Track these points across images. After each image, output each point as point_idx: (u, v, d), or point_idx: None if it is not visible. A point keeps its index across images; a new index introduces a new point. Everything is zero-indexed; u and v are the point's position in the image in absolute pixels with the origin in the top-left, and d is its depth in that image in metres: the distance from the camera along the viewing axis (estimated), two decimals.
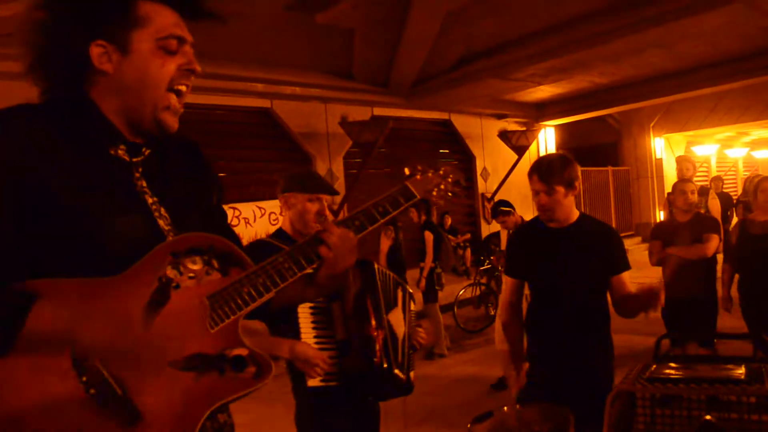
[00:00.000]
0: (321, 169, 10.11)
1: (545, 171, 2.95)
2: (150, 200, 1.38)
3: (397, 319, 2.82)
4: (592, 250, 3.01)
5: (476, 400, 5.82)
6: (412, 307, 2.97)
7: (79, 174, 1.29)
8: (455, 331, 8.84)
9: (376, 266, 2.75)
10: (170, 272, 1.27)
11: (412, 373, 2.86)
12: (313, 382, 2.60)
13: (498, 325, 5.33)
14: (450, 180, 1.69)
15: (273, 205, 9.23)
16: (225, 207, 1.64)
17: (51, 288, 1.22)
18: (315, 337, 2.60)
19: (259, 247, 2.83)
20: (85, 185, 1.29)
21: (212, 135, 8.97)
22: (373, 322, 2.60)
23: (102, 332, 1.22)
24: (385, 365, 2.59)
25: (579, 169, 3.05)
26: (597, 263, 3.01)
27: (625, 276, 3.05)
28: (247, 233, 9.07)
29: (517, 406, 2.51)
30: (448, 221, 11.76)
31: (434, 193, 1.65)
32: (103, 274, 1.25)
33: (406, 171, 1.65)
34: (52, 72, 1.36)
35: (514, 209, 6.50)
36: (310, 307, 2.62)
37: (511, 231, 6.45)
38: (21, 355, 1.18)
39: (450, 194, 1.68)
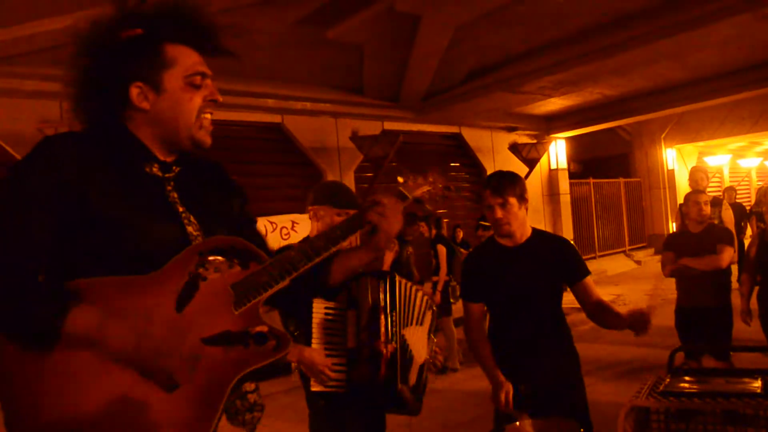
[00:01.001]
0: None
1: (497, 185, 3.02)
2: (180, 209, 1.60)
3: (418, 339, 2.79)
4: (550, 263, 3.03)
5: (488, 414, 5.77)
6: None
7: (120, 189, 1.51)
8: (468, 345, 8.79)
9: (398, 279, 2.75)
10: (198, 269, 1.50)
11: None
12: (316, 387, 2.62)
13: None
14: (440, 185, 1.92)
15: (284, 220, 9.23)
16: None
17: (90, 287, 1.42)
18: (326, 342, 2.62)
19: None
20: (126, 198, 1.51)
21: (224, 150, 9.01)
22: (382, 336, 2.60)
23: (134, 325, 1.41)
24: (392, 382, 2.58)
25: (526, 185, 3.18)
26: (556, 275, 3.04)
27: (589, 281, 3.07)
28: None
29: (528, 421, 2.51)
30: (460, 234, 11.71)
31: (426, 197, 1.89)
32: (139, 274, 1.46)
33: (400, 179, 1.89)
34: (95, 110, 1.57)
35: None
36: (326, 314, 2.64)
37: None
38: (62, 350, 1.38)
39: (439, 197, 1.92)
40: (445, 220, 9.84)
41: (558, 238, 3.29)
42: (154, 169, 1.61)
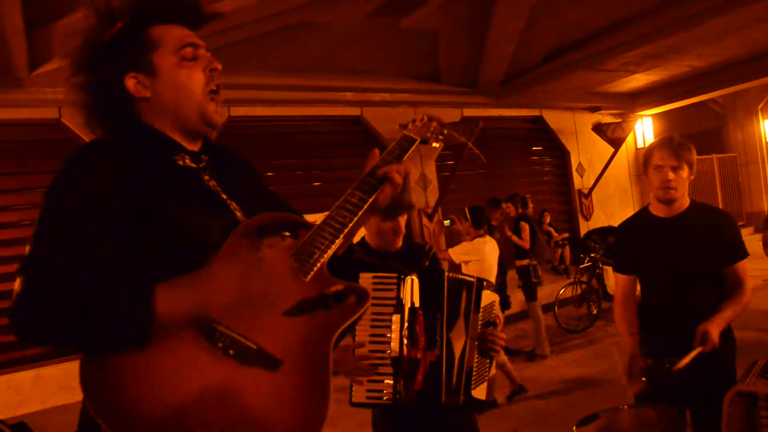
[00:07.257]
0: (414, 173, 10.12)
1: (677, 146, 2.92)
2: (224, 197, 1.56)
3: (457, 331, 2.55)
4: (706, 238, 2.88)
5: (581, 401, 5.66)
6: (487, 300, 2.60)
7: (167, 188, 1.46)
8: (557, 331, 8.64)
9: (446, 275, 2.56)
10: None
11: (481, 387, 2.55)
12: (358, 398, 2.46)
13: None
14: (435, 124, 1.89)
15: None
16: (320, 215, 1.75)
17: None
18: (370, 351, 2.44)
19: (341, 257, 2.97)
20: (177, 197, 1.46)
21: (306, 146, 9.18)
22: (422, 343, 2.42)
23: (219, 302, 1.36)
24: (434, 395, 2.41)
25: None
26: (712, 251, 2.87)
27: (740, 267, 2.88)
28: None
29: (625, 407, 2.43)
30: (547, 219, 11.52)
31: (429, 135, 1.86)
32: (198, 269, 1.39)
33: (398, 127, 1.87)
34: (107, 117, 1.54)
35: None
36: (372, 319, 2.46)
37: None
38: (157, 345, 1.30)
39: (441, 136, 1.90)
40: (531, 205, 9.67)
41: (719, 212, 3.14)
42: (187, 161, 1.56)
